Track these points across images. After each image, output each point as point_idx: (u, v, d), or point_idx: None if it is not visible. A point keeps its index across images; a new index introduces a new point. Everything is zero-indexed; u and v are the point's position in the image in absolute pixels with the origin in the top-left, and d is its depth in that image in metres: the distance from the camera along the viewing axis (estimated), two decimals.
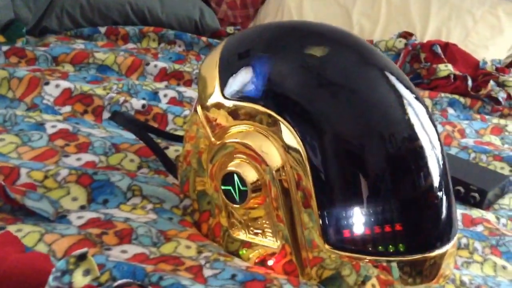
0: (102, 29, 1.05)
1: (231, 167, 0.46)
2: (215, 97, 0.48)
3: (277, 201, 0.45)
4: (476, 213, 0.62)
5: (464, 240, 0.56)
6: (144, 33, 1.06)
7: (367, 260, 0.44)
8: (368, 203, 0.44)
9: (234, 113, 0.47)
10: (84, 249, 0.38)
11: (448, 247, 0.46)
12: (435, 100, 0.98)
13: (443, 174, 0.47)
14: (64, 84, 0.71)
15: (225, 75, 0.49)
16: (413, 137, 0.45)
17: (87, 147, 0.60)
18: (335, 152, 0.44)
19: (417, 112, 0.46)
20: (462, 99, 0.99)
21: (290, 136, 0.44)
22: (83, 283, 0.37)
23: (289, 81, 0.46)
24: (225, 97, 0.48)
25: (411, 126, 0.46)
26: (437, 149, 0.46)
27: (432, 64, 1.03)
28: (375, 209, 0.44)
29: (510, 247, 0.56)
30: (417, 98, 0.48)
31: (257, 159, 0.45)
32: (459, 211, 0.61)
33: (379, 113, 0.46)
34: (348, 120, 0.45)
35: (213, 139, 0.49)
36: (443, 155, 0.47)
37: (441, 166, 0.47)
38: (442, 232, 0.47)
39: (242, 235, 0.48)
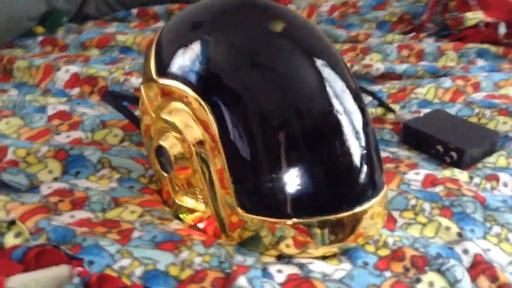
0: (134, 11, 1.12)
1: (160, 141, 0.51)
2: (150, 75, 0.52)
3: (199, 171, 0.49)
4: (447, 173, 0.60)
5: (413, 201, 0.54)
6: (171, 11, 1.12)
7: (274, 222, 0.46)
8: (275, 168, 0.46)
9: (164, 91, 0.51)
10: (12, 216, 0.45)
11: (365, 207, 0.47)
12: (461, 52, 0.91)
13: (358, 139, 0.48)
14: (73, 68, 0.80)
15: (158, 54, 0.53)
16: (321, 108, 0.48)
17: (78, 125, 0.69)
18: (243, 124, 0.47)
19: (334, 89, 0.48)
20: (493, 48, 0.91)
21: (203, 111, 0.47)
22: (12, 243, 0.45)
23: (204, 59, 0.49)
24: (158, 76, 0.52)
25: (321, 100, 0.48)
26: (354, 121, 0.48)
27: (460, 13, 0.95)
28: (282, 174, 0.46)
29: (466, 208, 0.53)
30: (343, 79, 0.49)
31: (181, 133, 0.49)
32: (426, 171, 0.59)
33: (286, 87, 0.48)
34: (260, 95, 0.48)
35: (153, 114, 0.53)
36: (363, 126, 0.49)
37: (358, 133, 0.48)
38: (355, 193, 0.48)
39: (184, 200, 0.53)
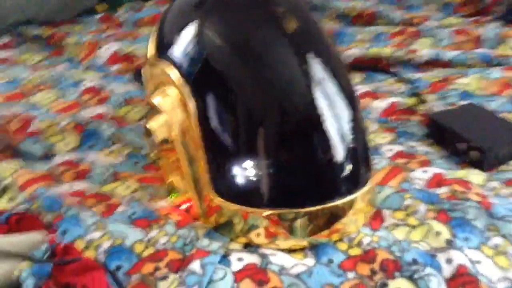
0: None
1: (148, 121, 0.52)
2: (151, 54, 0.53)
3: (180, 154, 0.50)
4: (460, 173, 0.54)
5: (409, 201, 0.50)
6: None
7: (248, 211, 0.46)
8: (252, 158, 0.46)
9: (159, 72, 0.52)
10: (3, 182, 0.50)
11: (342, 203, 0.45)
12: None
13: (341, 135, 0.46)
14: (114, 46, 0.84)
15: (159, 33, 0.54)
16: (303, 102, 0.46)
17: (105, 101, 0.72)
18: (224, 111, 0.46)
19: (321, 85, 0.46)
20: None
21: (187, 97, 0.47)
22: (2, 208, 0.49)
23: (194, 43, 0.48)
24: (157, 55, 0.53)
25: (304, 94, 0.46)
26: (338, 116, 0.46)
27: None
28: (259, 164, 0.45)
29: (466, 213, 0.48)
30: (333, 74, 0.47)
31: (167, 116, 0.50)
32: (436, 170, 0.55)
33: (272, 77, 0.46)
34: (244, 84, 0.47)
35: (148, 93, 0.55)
36: (350, 122, 0.47)
37: (341, 129, 0.46)
38: (331, 187, 0.46)
39: (174, 181, 0.54)
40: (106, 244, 0.46)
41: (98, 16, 1.02)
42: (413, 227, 0.48)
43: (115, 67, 0.82)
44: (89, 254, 0.45)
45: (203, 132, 0.47)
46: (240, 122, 0.46)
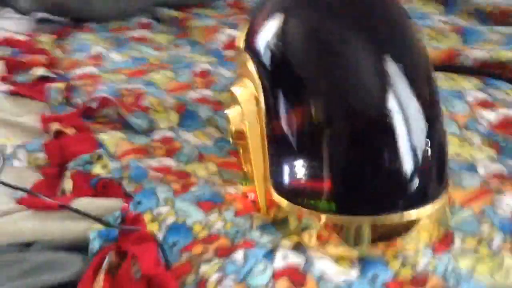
0: None
1: (226, 110, 0.54)
2: (239, 44, 0.55)
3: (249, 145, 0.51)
4: None
5: (485, 227, 0.45)
6: None
7: (300, 210, 0.46)
8: (314, 160, 0.45)
9: (243, 63, 0.53)
10: (100, 150, 0.56)
11: (404, 216, 0.43)
12: None
13: (412, 146, 0.44)
14: (233, 32, 0.87)
15: (249, 25, 0.55)
16: (375, 109, 0.44)
17: (210, 84, 0.76)
18: (291, 110, 0.47)
19: (397, 92, 0.44)
20: None
21: (259, 90, 0.48)
22: (95, 173, 0.56)
23: (272, 39, 0.49)
24: (244, 46, 0.54)
25: (377, 100, 0.44)
26: (411, 127, 0.44)
27: None
28: (320, 167, 0.45)
29: None
30: (414, 82, 0.45)
31: (241, 107, 0.51)
32: None
33: (347, 84, 0.45)
34: (315, 85, 0.46)
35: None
36: (426, 133, 0.45)
37: (412, 140, 0.44)
38: (394, 199, 0.44)
39: (248, 169, 0.56)
40: (169, 220, 0.50)
41: (229, 1, 1.07)
42: (481, 257, 0.44)
43: (227, 53, 0.86)
44: (153, 226, 0.49)
45: (270, 127, 0.48)
46: (307, 120, 0.46)
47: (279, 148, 0.48)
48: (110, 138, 0.64)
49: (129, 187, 0.55)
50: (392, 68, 0.45)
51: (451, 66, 0.73)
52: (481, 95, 0.68)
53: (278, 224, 0.49)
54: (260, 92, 0.48)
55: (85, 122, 0.68)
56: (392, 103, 0.44)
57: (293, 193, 0.47)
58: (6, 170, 0.59)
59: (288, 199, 0.47)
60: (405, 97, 0.45)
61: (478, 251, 0.44)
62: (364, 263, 0.44)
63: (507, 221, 0.47)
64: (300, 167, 0.46)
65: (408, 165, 0.43)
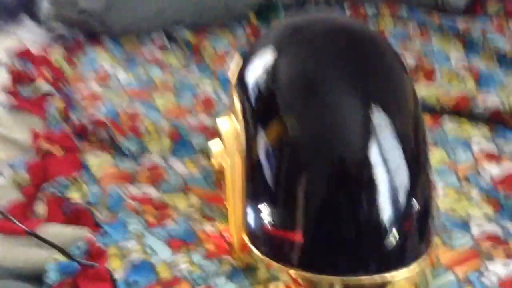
0: (347, 5, 1.10)
1: (209, 142, 0.52)
2: (232, 81, 0.53)
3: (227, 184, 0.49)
4: None
5: None
6: (380, 14, 1.05)
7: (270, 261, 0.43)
8: (287, 212, 0.43)
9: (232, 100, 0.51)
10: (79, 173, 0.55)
11: (375, 277, 0.40)
12: None
13: (393, 202, 0.42)
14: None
15: (242, 61, 0.53)
16: (355, 162, 0.42)
17: (211, 110, 0.75)
18: (268, 154, 0.44)
19: (381, 145, 0.42)
20: None
21: (242, 129, 0.47)
22: (72, 197, 0.55)
23: (262, 78, 0.47)
24: (235, 84, 0.52)
25: (359, 152, 0.42)
26: (394, 181, 0.42)
27: None
28: (293, 220, 0.43)
29: None
30: (401, 133, 0.43)
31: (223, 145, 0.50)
32: None
33: (325, 128, 0.43)
34: (295, 130, 0.44)
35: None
36: (409, 188, 0.42)
37: (395, 195, 0.42)
38: (367, 259, 0.42)
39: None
40: (134, 256, 0.48)
41: (247, 26, 1.06)
42: None
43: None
44: (116, 262, 0.47)
45: (248, 167, 0.46)
46: (284, 164, 0.44)
47: (255, 191, 0.46)
48: (96, 160, 0.63)
49: (102, 214, 0.53)
50: (378, 119, 0.42)
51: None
52: (488, 146, 0.64)
53: (247, 271, 0.46)
54: (243, 131, 0.46)
55: (77, 142, 0.67)
56: (374, 155, 0.41)
57: (264, 241, 0.45)
58: None
59: (257, 247, 0.45)
60: (388, 149, 0.42)
61: None
62: None
63: None
64: (272, 214, 0.44)
65: (386, 223, 0.41)
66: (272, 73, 0.47)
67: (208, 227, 0.53)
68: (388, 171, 0.41)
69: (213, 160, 0.51)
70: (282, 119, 0.45)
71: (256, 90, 0.47)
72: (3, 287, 0.43)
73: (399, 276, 0.42)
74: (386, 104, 0.43)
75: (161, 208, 0.56)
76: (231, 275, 0.46)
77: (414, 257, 0.43)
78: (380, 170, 0.41)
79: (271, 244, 0.44)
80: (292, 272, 0.42)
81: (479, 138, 0.65)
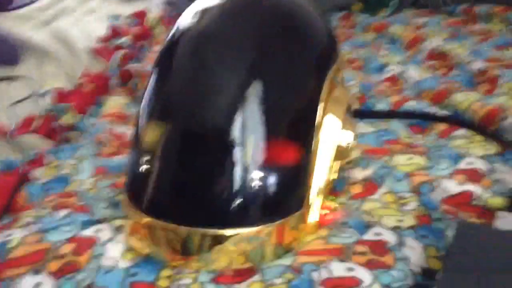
0: (461, 7, 0.99)
1: None
2: None
3: None
4: None
5: None
6: (493, 13, 0.92)
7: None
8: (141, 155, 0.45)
9: None
10: None
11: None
12: None
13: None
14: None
15: None
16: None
17: None
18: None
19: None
20: None
21: None
22: None
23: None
24: None
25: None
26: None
27: None
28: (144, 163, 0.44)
29: None
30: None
31: None
32: None
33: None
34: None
35: None
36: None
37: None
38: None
39: None
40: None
41: (339, 14, 1.04)
42: None
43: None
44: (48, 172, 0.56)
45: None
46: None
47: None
48: (112, 102, 0.73)
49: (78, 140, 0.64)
50: (248, 85, 0.42)
51: None
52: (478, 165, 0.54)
53: None
54: None
55: (114, 85, 0.78)
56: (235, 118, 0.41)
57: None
58: None
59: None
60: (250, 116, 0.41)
61: None
62: (145, 262, 0.43)
63: None
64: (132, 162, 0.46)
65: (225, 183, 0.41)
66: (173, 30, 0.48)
67: None
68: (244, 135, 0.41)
69: None
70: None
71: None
72: None
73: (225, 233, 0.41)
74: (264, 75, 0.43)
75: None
76: None
77: (248, 222, 0.41)
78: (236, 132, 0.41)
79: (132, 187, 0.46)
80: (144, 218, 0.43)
81: (475, 158, 0.55)
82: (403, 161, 0.55)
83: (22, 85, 0.78)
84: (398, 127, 0.64)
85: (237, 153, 0.41)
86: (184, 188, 0.42)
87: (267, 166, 0.42)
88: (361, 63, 0.83)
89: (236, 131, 0.41)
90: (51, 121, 0.64)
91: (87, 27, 1.01)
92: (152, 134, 0.44)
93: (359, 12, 1.07)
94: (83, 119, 0.67)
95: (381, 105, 0.69)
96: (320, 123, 0.46)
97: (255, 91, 0.42)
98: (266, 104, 0.42)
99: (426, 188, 0.51)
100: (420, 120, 0.65)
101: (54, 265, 0.42)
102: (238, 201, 0.41)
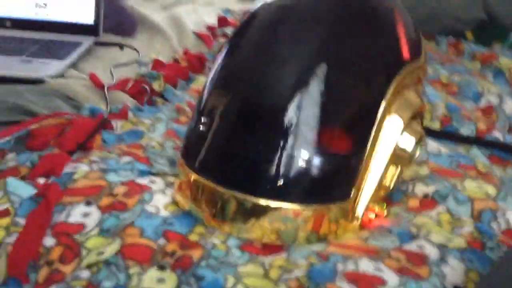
0: None
1: None
2: None
3: None
4: None
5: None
6: None
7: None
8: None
9: None
10: None
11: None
12: None
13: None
14: None
15: None
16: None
17: None
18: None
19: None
20: None
21: None
22: None
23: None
24: None
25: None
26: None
27: None
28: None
29: None
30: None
31: None
32: None
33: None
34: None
35: None
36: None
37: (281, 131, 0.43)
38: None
39: None
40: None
41: (451, 39, 0.99)
42: None
43: None
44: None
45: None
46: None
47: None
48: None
49: None
50: (314, 71, 0.43)
51: None
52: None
53: None
54: None
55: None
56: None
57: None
58: None
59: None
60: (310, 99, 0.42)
61: None
62: (183, 216, 0.45)
63: None
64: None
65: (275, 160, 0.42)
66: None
67: None
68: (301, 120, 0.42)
69: None
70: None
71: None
72: None
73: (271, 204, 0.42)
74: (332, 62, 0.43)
75: None
76: None
77: (291, 199, 0.42)
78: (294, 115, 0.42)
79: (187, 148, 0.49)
80: (193, 176, 0.45)
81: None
82: (471, 187, 0.52)
83: (130, 54, 0.85)
84: (477, 154, 0.60)
85: (291, 130, 0.42)
86: (235, 154, 0.44)
87: (317, 149, 0.42)
88: (455, 88, 0.79)
89: (294, 109, 0.42)
90: (142, 84, 0.69)
91: (201, 16, 1.07)
92: (214, 100, 0.46)
93: (471, 42, 1.02)
94: (172, 89, 0.71)
95: (465, 130, 0.65)
96: (382, 122, 0.45)
97: (319, 75, 0.43)
98: (328, 89, 0.43)
99: (488, 216, 0.47)
100: (503, 153, 0.61)
101: (105, 201, 0.46)
102: (283, 175, 0.42)
